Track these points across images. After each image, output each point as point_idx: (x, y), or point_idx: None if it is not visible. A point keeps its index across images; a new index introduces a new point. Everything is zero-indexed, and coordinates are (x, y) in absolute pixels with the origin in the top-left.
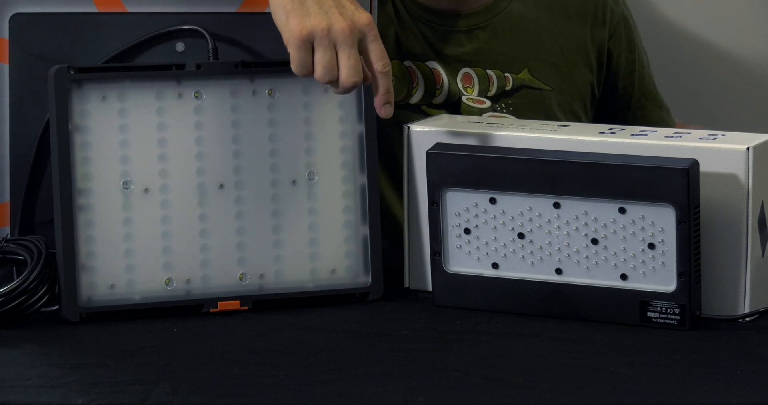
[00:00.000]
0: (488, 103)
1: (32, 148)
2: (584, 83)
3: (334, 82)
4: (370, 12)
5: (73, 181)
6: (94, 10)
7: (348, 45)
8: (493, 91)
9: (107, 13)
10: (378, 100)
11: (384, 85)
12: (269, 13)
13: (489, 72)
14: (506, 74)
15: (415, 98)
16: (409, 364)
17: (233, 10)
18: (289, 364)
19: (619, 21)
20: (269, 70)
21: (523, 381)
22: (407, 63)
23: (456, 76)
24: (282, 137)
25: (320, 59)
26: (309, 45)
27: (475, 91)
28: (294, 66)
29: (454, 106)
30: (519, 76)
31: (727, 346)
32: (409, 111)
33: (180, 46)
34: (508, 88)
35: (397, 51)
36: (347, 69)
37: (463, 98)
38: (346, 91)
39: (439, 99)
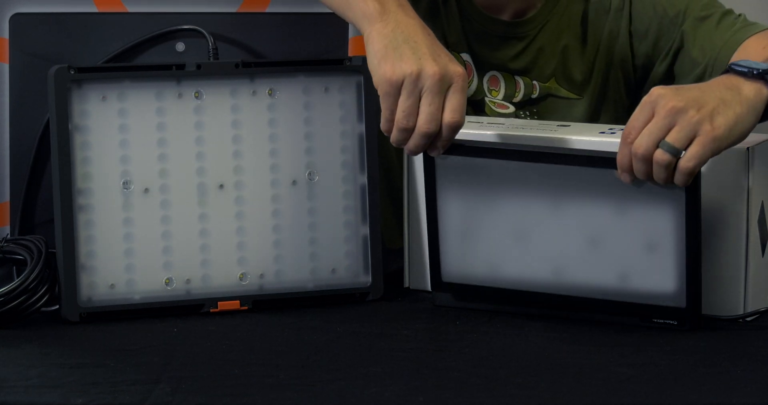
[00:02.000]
0: (512, 109)
1: (32, 148)
2: (617, 91)
3: (410, 129)
4: None
5: (73, 181)
6: (94, 10)
7: (433, 92)
8: (519, 97)
9: (107, 13)
10: (433, 144)
11: (445, 137)
12: (269, 13)
13: (517, 78)
14: (534, 82)
15: None
16: (409, 364)
17: (233, 10)
18: (289, 364)
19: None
20: (269, 70)
21: (523, 381)
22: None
23: (483, 77)
24: (282, 137)
25: (402, 103)
26: (397, 90)
27: (500, 95)
28: (383, 110)
29: (477, 104)
30: (546, 84)
31: (727, 346)
32: None
33: (180, 46)
34: (534, 95)
35: (440, 37)
36: (426, 115)
37: (487, 99)
38: (420, 142)
39: (468, 92)
